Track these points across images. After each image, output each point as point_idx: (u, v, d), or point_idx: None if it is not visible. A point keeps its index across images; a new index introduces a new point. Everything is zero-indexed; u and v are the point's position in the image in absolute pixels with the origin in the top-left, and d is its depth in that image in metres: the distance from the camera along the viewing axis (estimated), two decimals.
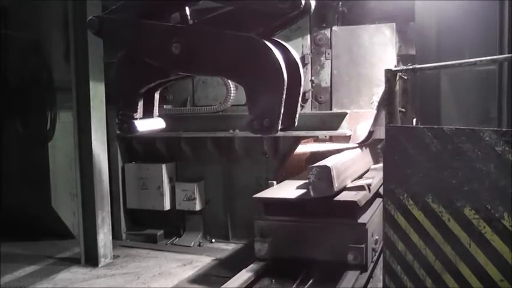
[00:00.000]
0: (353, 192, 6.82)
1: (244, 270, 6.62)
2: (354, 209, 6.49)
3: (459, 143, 3.88)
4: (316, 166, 6.53)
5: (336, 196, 6.61)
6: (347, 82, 8.90)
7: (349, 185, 7.12)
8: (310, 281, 6.49)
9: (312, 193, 6.53)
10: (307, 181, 6.63)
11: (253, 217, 7.12)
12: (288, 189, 7.38)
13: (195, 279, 7.70)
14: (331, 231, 6.62)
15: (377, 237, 6.92)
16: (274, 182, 7.83)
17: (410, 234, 4.33)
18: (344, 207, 6.53)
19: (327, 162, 6.78)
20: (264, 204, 7.07)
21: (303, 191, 6.96)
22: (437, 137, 4.05)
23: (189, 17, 2.80)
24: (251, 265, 6.78)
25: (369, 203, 7.14)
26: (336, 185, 6.50)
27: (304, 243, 6.72)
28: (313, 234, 6.69)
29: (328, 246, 6.58)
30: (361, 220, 6.60)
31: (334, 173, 6.45)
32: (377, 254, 7.00)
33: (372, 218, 6.83)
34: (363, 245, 6.40)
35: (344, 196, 6.71)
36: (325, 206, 6.62)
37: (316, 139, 8.83)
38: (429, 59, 6.47)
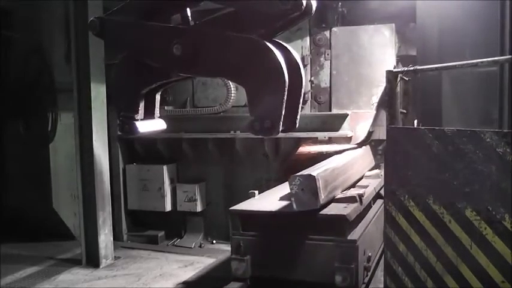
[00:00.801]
0: (342, 205, 6.02)
1: None
2: (342, 224, 5.66)
3: (460, 144, 3.88)
4: (299, 175, 5.76)
5: (322, 209, 5.81)
6: (346, 82, 8.90)
7: (339, 195, 6.31)
8: None
9: (294, 206, 5.75)
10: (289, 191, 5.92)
11: (231, 232, 6.40)
12: (270, 201, 6.62)
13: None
14: (317, 249, 5.76)
15: (370, 254, 6.16)
16: (256, 192, 7.08)
17: (412, 236, 4.33)
18: (331, 222, 5.70)
19: (312, 170, 6.04)
20: (242, 217, 6.26)
21: (286, 202, 6.22)
22: (438, 138, 4.05)
23: (190, 18, 2.80)
24: (228, 285, 6.11)
25: (362, 215, 6.37)
26: (323, 197, 5.74)
27: (286, 262, 5.93)
28: (297, 252, 5.90)
29: (314, 266, 5.77)
30: (351, 237, 5.73)
31: (320, 183, 5.70)
32: (370, 273, 6.20)
33: (364, 233, 6.04)
34: (353, 265, 5.53)
35: (332, 209, 5.90)
36: (309, 221, 5.81)
37: (315, 140, 8.80)
38: (430, 60, 6.47)
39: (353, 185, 7.11)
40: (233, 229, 6.28)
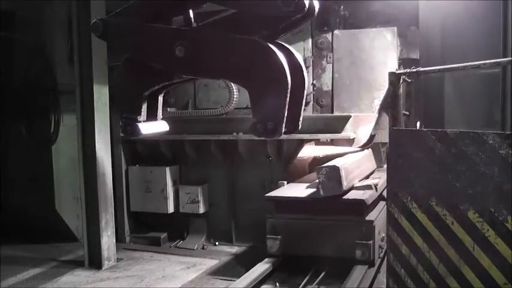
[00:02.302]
0: (361, 192, 7.11)
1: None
2: (361, 207, 6.79)
3: (463, 146, 3.87)
4: (326, 166, 6.82)
5: (344, 195, 6.91)
6: (348, 86, 8.92)
7: (357, 184, 7.38)
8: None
9: (321, 192, 6.83)
10: (316, 181, 7.10)
11: (266, 215, 7.41)
12: (299, 189, 7.61)
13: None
14: (340, 229, 6.92)
15: (383, 235, 7.01)
16: (285, 182, 7.94)
17: (414, 238, 4.32)
18: (352, 206, 6.83)
19: (335, 162, 7.05)
20: (275, 202, 7.36)
21: (313, 190, 7.25)
22: (441, 140, 4.05)
23: (193, 20, 2.80)
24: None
25: (376, 201, 7.36)
26: (345, 185, 6.80)
27: (314, 240, 7.04)
28: (323, 231, 7.01)
29: (337, 243, 6.91)
30: (368, 218, 6.86)
31: (343, 173, 6.75)
32: (383, 250, 7.13)
33: (379, 216, 7.02)
34: (371, 242, 6.68)
35: (352, 195, 7.01)
36: (334, 205, 6.91)
37: (318, 142, 8.84)
38: (433, 62, 6.47)
39: (366, 177, 8.09)
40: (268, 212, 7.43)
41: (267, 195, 7.55)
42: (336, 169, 6.76)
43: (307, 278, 6.85)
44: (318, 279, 6.76)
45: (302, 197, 7.18)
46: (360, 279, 6.38)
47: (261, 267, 6.88)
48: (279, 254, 7.16)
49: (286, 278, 7.05)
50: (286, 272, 7.12)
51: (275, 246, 7.16)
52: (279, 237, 7.14)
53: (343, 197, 6.88)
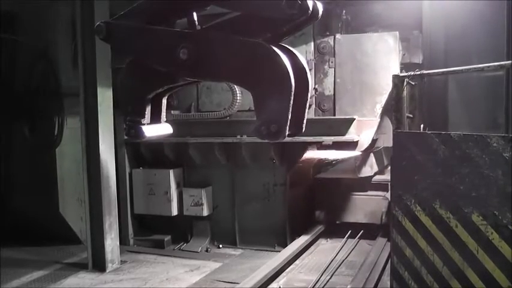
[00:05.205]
0: (385, 175, 9.76)
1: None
2: (387, 185, 9.12)
3: (467, 149, 3.87)
4: (360, 154, 8.68)
5: (374, 176, 9.52)
6: (350, 90, 8.86)
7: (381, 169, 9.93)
8: (359, 234, 9.25)
9: (358, 174, 9.07)
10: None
11: (315, 191, 10.02)
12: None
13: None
14: (371, 201, 9.44)
15: None
16: None
17: (418, 240, 4.32)
18: (380, 184, 9.52)
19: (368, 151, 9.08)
20: (322, 182, 9.82)
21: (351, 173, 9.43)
22: (444, 142, 4.05)
23: (196, 22, 2.81)
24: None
25: None
26: (375, 168, 9.21)
27: (351, 210, 9.62)
28: (357, 204, 9.56)
29: (368, 212, 9.43)
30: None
31: (373, 160, 9.08)
32: None
33: None
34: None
35: (379, 176, 9.74)
36: (366, 183, 9.48)
37: (320, 145, 8.82)
38: (437, 65, 6.47)
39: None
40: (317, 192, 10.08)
41: (316, 176, 9.86)
42: (369, 156, 9.03)
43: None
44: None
45: (343, 178, 9.57)
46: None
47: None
48: (325, 221, 9.83)
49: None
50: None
51: (321, 215, 9.86)
52: (324, 208, 9.83)
53: (374, 178, 9.53)
